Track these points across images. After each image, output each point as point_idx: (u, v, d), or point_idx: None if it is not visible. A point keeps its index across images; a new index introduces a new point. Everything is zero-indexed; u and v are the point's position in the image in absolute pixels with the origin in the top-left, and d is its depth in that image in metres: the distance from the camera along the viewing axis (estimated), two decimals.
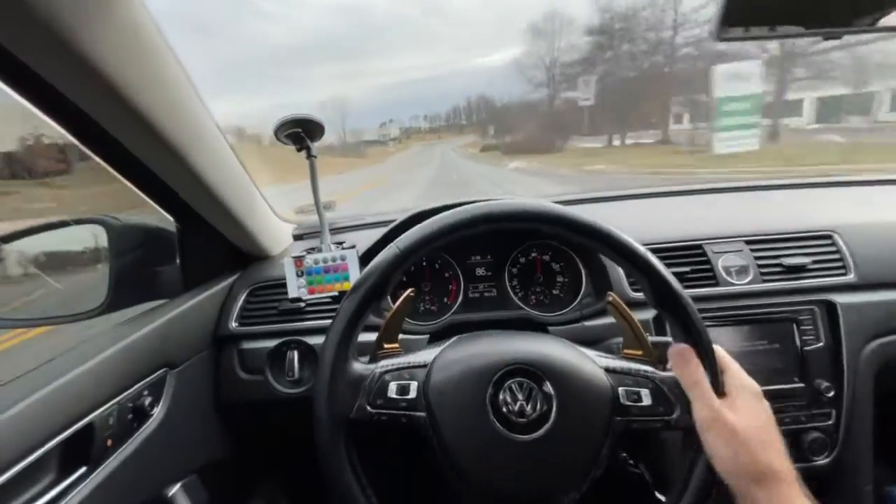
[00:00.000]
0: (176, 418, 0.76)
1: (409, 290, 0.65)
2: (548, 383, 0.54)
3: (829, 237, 0.92)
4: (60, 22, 0.45)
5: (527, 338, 0.60)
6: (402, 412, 0.55)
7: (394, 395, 0.55)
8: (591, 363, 0.57)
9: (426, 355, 0.58)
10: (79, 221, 0.87)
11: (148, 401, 0.70)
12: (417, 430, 0.55)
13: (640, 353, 0.60)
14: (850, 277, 0.88)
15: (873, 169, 1.22)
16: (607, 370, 0.56)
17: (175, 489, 0.75)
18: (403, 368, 0.57)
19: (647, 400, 0.54)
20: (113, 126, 0.62)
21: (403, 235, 0.59)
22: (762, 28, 0.65)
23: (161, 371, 0.75)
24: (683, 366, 0.54)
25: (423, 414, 0.54)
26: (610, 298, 0.62)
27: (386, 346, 0.62)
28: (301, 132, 0.81)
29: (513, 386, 0.54)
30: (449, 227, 0.58)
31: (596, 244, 0.59)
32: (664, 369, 0.58)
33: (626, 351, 0.61)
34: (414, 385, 0.55)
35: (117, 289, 0.87)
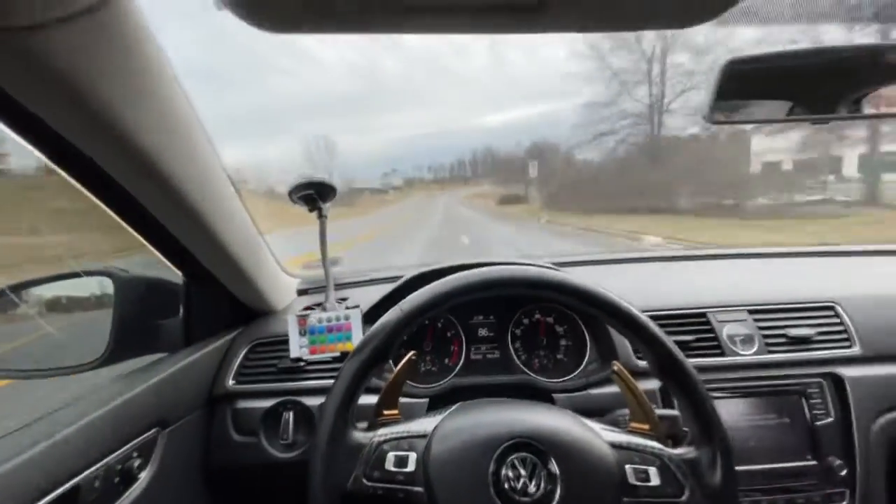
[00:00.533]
0: (162, 483, 0.72)
1: (411, 353, 0.65)
2: (553, 460, 0.52)
3: (832, 308, 0.92)
4: (79, 74, 0.45)
5: (531, 409, 0.59)
6: (400, 486, 0.53)
7: (391, 468, 0.53)
8: (598, 438, 0.55)
9: (426, 424, 0.57)
10: (88, 273, 0.88)
11: (137, 463, 0.67)
12: None
13: (646, 427, 0.59)
14: (856, 350, 0.88)
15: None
16: (613, 445, 0.55)
17: None
18: (402, 438, 0.56)
19: (655, 480, 0.53)
20: (124, 178, 0.62)
21: (408, 298, 0.59)
22: (751, 114, 0.70)
23: (153, 431, 0.73)
24: None
25: (421, 489, 0.52)
26: (615, 368, 0.62)
27: (385, 412, 0.61)
28: (314, 194, 0.84)
29: (516, 462, 0.52)
30: (454, 291, 0.59)
31: (599, 313, 0.59)
32: (672, 446, 0.56)
33: (632, 425, 0.60)
34: (413, 457, 0.54)
35: (118, 341, 0.86)
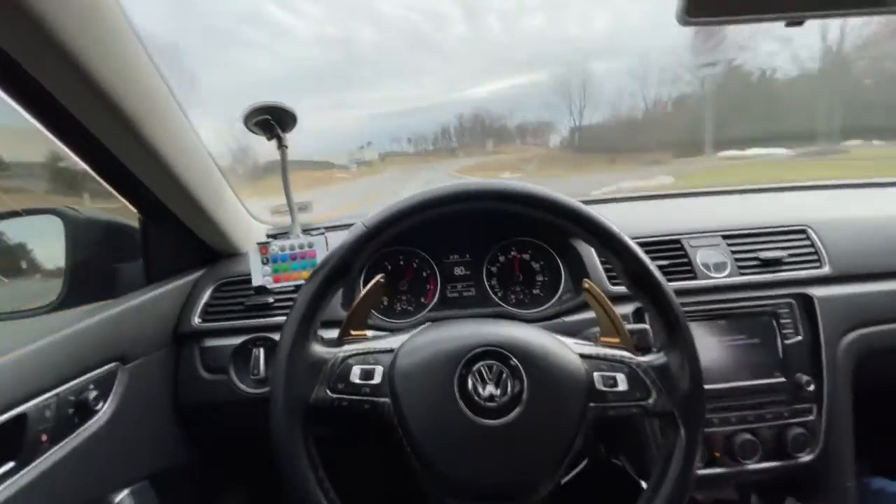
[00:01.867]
0: (126, 418, 0.70)
1: (380, 276, 0.63)
2: (519, 366, 0.51)
3: (804, 231, 0.93)
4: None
5: (499, 323, 0.58)
6: (365, 398, 0.52)
7: (357, 380, 0.52)
8: (566, 348, 0.55)
9: (393, 341, 0.56)
10: (32, 212, 0.83)
11: (93, 395, 0.65)
12: (381, 418, 0.52)
13: (616, 340, 0.59)
14: (825, 270, 0.89)
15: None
16: (582, 356, 0.54)
17: (122, 495, 0.69)
18: (368, 353, 0.54)
19: (623, 385, 0.53)
20: (77, 108, 0.59)
21: (371, 213, 0.57)
22: (725, 16, 0.66)
23: (111, 365, 0.70)
24: None
25: (387, 400, 0.51)
26: (586, 285, 0.61)
27: (352, 332, 0.59)
28: (271, 120, 0.79)
29: (482, 369, 0.51)
30: (416, 204, 0.56)
31: (567, 222, 0.58)
32: (641, 355, 0.56)
33: (603, 339, 0.59)
34: (379, 370, 0.53)
35: (73, 285, 0.82)
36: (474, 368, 0.51)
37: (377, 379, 0.52)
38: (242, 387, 0.83)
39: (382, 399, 0.51)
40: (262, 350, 0.83)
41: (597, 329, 0.72)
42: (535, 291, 0.98)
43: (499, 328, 0.56)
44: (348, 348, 0.55)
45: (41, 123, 0.62)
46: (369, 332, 0.59)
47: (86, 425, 0.64)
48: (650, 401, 0.53)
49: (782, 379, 0.83)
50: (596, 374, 0.53)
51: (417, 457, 0.50)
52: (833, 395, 0.83)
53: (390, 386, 0.51)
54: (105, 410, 0.67)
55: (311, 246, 0.79)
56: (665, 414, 0.54)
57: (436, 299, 0.98)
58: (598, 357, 0.55)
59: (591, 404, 0.52)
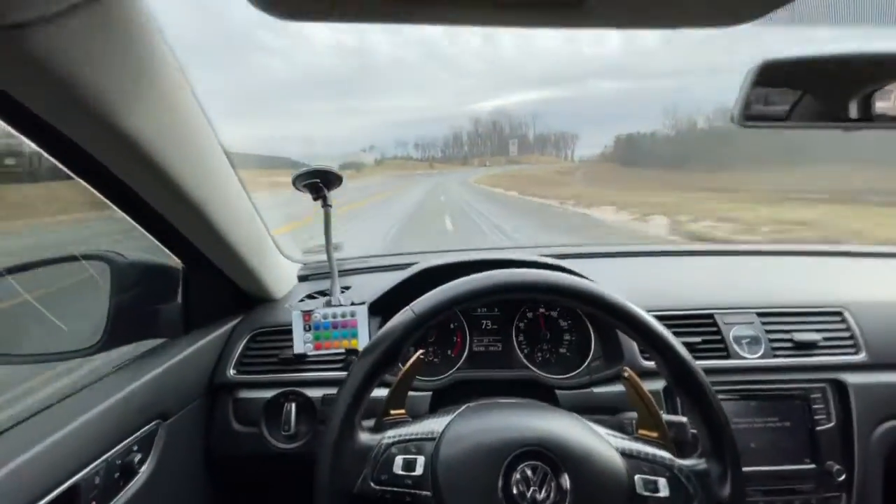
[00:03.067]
0: (163, 474, 0.72)
1: (419, 352, 0.64)
2: (563, 470, 0.52)
3: (840, 314, 0.91)
4: (79, 68, 0.43)
5: (540, 414, 0.59)
6: (408, 490, 0.52)
7: (399, 472, 0.53)
8: (607, 445, 0.55)
9: (434, 425, 0.57)
10: (85, 257, 0.86)
11: (137, 457, 0.67)
12: None
13: (655, 434, 0.58)
14: (861, 357, 0.87)
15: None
16: (623, 454, 0.54)
17: None
18: (410, 441, 0.55)
19: (664, 491, 0.52)
20: (120, 168, 0.60)
21: (420, 300, 0.58)
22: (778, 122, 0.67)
23: (153, 423, 0.72)
24: None
25: (429, 493, 0.52)
26: (626, 374, 0.61)
27: (392, 412, 0.60)
28: (319, 182, 0.81)
29: (526, 470, 0.52)
30: (465, 295, 0.57)
31: (612, 319, 0.58)
32: (681, 455, 0.56)
33: (641, 431, 0.59)
34: (421, 460, 0.53)
35: (115, 327, 0.84)
36: (518, 468, 0.52)
37: (419, 470, 0.53)
38: (273, 441, 0.84)
39: (425, 492, 0.52)
40: (293, 405, 0.85)
41: (632, 415, 0.72)
42: (561, 351, 0.98)
43: (541, 422, 0.56)
44: (391, 434, 0.55)
45: (84, 180, 0.63)
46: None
47: (129, 485, 0.65)
48: None
49: (812, 466, 0.82)
50: (637, 478, 0.53)
51: None
52: (863, 484, 0.82)
53: (433, 478, 0.52)
54: (146, 470, 0.69)
55: (352, 315, 0.81)
56: None
57: (464, 354, 0.98)
58: (638, 457, 0.55)
59: None
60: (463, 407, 0.61)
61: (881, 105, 0.66)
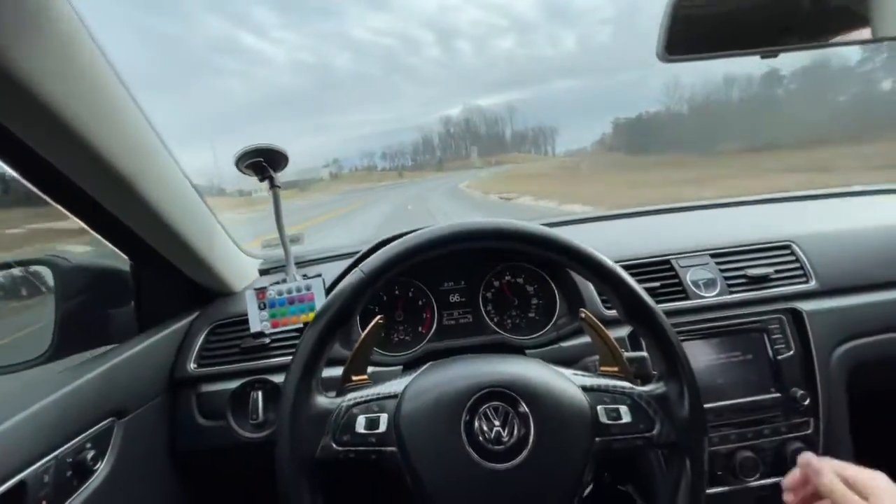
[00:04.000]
0: (124, 473, 0.69)
1: (378, 317, 0.63)
2: (524, 406, 0.52)
3: (788, 247, 0.95)
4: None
5: (501, 360, 0.59)
6: (372, 448, 0.51)
7: (362, 430, 0.52)
8: (568, 382, 0.55)
9: (396, 385, 0.56)
10: (23, 263, 0.82)
11: (91, 454, 0.63)
12: (389, 468, 0.51)
13: (616, 369, 0.60)
14: (812, 285, 0.91)
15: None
16: (584, 388, 0.55)
17: None
18: (372, 400, 0.54)
19: (626, 417, 0.53)
20: (55, 155, 0.58)
21: (368, 259, 0.57)
22: (702, 52, 0.69)
23: (107, 421, 0.69)
24: (818, 478, 0.53)
25: (394, 448, 0.51)
26: (583, 315, 0.62)
27: (354, 378, 0.59)
28: (263, 162, 0.79)
29: (488, 411, 0.52)
30: (414, 248, 0.57)
31: (564, 259, 0.59)
32: (641, 384, 0.57)
33: (602, 368, 0.60)
34: (384, 417, 0.53)
35: (63, 334, 0.81)
36: (480, 410, 0.51)
37: (382, 427, 0.52)
38: (241, 432, 0.82)
39: (389, 448, 0.51)
40: (260, 393, 0.82)
41: (595, 358, 0.73)
42: (530, 315, 0.98)
43: (500, 366, 0.56)
44: (352, 396, 0.54)
45: (21, 174, 0.61)
46: (370, 368, 0.59)
47: (84, 486, 0.62)
48: (654, 432, 0.53)
49: (777, 394, 0.85)
50: (599, 408, 0.53)
51: (416, 491, 0.50)
52: (828, 407, 0.85)
53: (396, 434, 0.51)
54: (102, 469, 0.66)
55: (308, 289, 0.79)
56: (669, 444, 0.54)
57: (433, 329, 0.98)
58: (600, 389, 0.55)
59: (597, 438, 0.52)
60: (426, 365, 0.60)
61: (802, 27, 0.69)
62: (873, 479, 0.51)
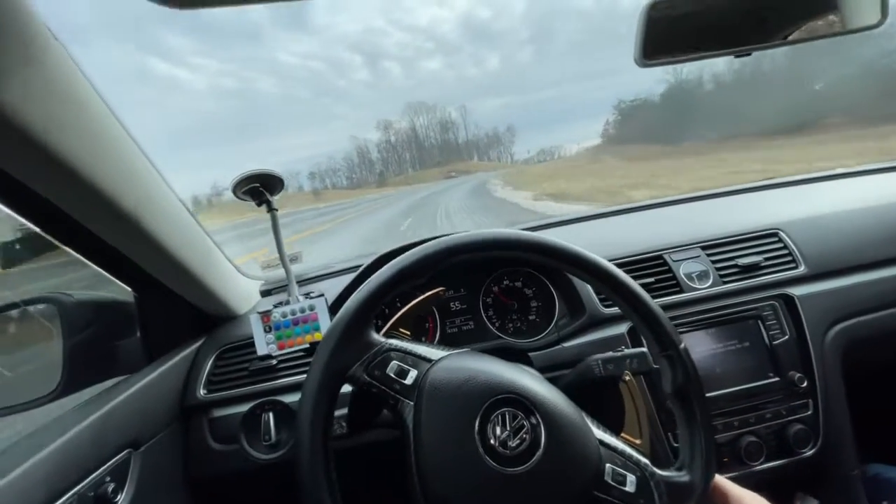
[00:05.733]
0: (144, 503, 0.70)
1: (441, 288, 0.67)
2: (541, 426, 0.52)
3: (776, 234, 0.98)
4: None
5: (537, 379, 0.58)
6: (393, 392, 0.54)
7: (392, 374, 0.55)
8: (589, 429, 0.55)
9: (434, 353, 0.58)
10: (28, 302, 0.83)
11: (111, 487, 0.64)
12: (399, 417, 0.54)
13: (638, 442, 0.59)
14: (802, 270, 0.93)
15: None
16: (601, 442, 0.54)
17: None
18: (409, 354, 0.56)
19: (630, 487, 0.52)
20: (53, 192, 0.58)
21: (375, 275, 0.58)
22: (678, 55, 0.71)
23: (124, 453, 0.70)
24: None
25: (411, 402, 0.53)
26: (627, 378, 0.63)
27: (401, 329, 0.63)
28: (260, 187, 0.81)
29: (506, 414, 0.52)
30: (435, 255, 0.58)
31: (566, 266, 0.60)
32: (658, 466, 0.56)
33: (624, 434, 0.59)
34: (413, 373, 0.55)
35: (72, 370, 0.82)
36: (499, 410, 0.52)
37: (409, 381, 0.54)
38: (255, 454, 0.82)
39: (408, 401, 0.53)
40: (271, 414, 0.83)
41: (598, 356, 0.75)
42: (531, 318, 1.00)
43: (533, 383, 0.56)
44: (394, 342, 0.57)
45: (19, 213, 0.62)
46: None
47: None
48: None
49: (776, 379, 0.87)
50: (608, 466, 0.53)
51: (418, 466, 0.51)
52: (826, 388, 0.87)
53: (418, 392, 0.53)
54: (123, 501, 0.67)
55: (312, 309, 0.81)
56: None
57: (437, 338, 0.99)
58: (615, 450, 0.54)
59: (595, 492, 0.52)
60: (466, 349, 0.62)
61: (776, 26, 0.72)
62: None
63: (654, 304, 0.58)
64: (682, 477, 0.55)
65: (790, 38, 0.71)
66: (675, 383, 0.57)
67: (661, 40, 0.69)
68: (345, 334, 0.55)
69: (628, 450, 0.55)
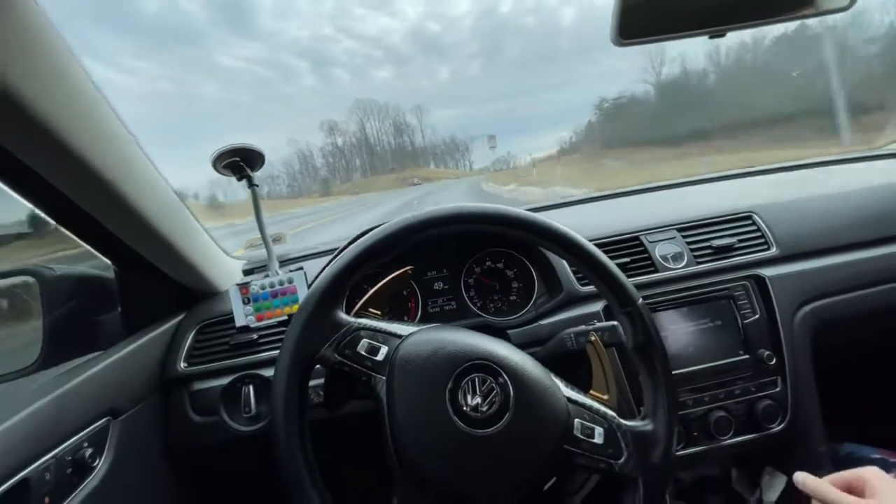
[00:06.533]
0: (122, 471, 0.71)
1: (409, 267, 0.67)
2: (509, 387, 0.53)
3: (749, 217, 1.00)
4: None
5: (503, 344, 0.60)
6: (365, 370, 0.55)
7: (363, 352, 0.56)
8: (557, 387, 0.57)
9: (403, 329, 0.59)
10: (5, 274, 0.83)
11: (88, 452, 0.65)
12: (372, 392, 0.55)
13: (605, 397, 0.60)
14: (773, 251, 0.96)
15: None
16: (569, 399, 0.56)
17: None
18: (379, 332, 0.57)
19: (598, 439, 0.55)
20: (39, 163, 0.59)
21: (338, 256, 0.60)
22: (653, 35, 0.72)
23: (103, 420, 0.70)
24: (817, 489, 0.55)
25: (383, 377, 0.54)
26: (592, 338, 0.64)
27: (371, 309, 0.63)
28: (240, 161, 0.81)
29: (476, 380, 0.54)
30: (399, 232, 0.60)
31: (527, 235, 0.62)
32: (624, 418, 0.58)
33: (592, 392, 0.61)
34: (384, 349, 0.56)
35: (52, 343, 0.82)
36: (469, 377, 0.54)
37: (380, 357, 0.55)
38: (235, 426, 0.84)
39: (380, 376, 0.55)
40: (251, 387, 0.84)
41: (571, 330, 0.77)
42: (511, 298, 1.02)
43: (500, 348, 0.58)
44: (363, 322, 0.58)
45: (3, 181, 0.62)
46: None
47: (84, 483, 0.64)
48: (620, 461, 0.55)
49: (746, 356, 0.89)
50: (576, 421, 0.55)
51: (393, 436, 0.53)
52: (794, 366, 0.89)
53: (389, 367, 0.55)
54: (101, 467, 0.68)
55: (290, 282, 0.81)
56: (631, 479, 0.55)
57: (418, 316, 1.00)
58: (583, 405, 0.57)
59: (564, 446, 0.54)
60: (435, 324, 0.62)
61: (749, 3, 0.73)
62: (861, 475, 0.55)
63: (611, 263, 0.60)
64: (647, 426, 0.58)
65: (764, 19, 0.72)
66: (637, 339, 0.60)
67: (637, 20, 0.70)
68: (312, 317, 0.56)
69: (595, 405, 0.58)
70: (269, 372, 0.86)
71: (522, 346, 0.86)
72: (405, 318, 1.00)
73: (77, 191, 0.66)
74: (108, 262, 0.86)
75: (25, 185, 0.64)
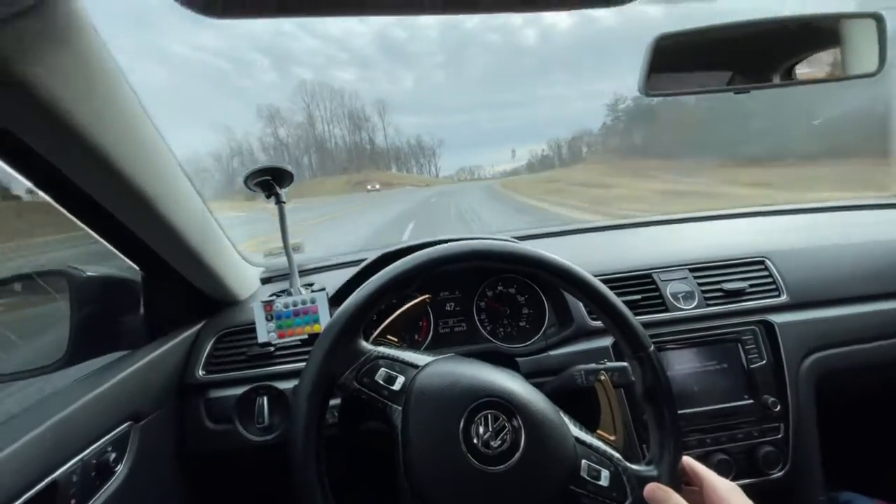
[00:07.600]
0: (141, 475, 0.73)
1: (427, 296, 0.69)
2: (521, 427, 0.55)
3: (762, 262, 1.01)
4: (24, 73, 0.45)
5: (516, 380, 0.61)
6: (382, 399, 0.57)
7: (380, 381, 0.58)
8: (566, 427, 0.58)
9: (420, 359, 0.61)
10: (41, 274, 0.86)
11: (112, 457, 0.68)
12: (388, 421, 0.57)
13: (612, 438, 0.62)
14: (784, 299, 0.97)
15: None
16: (577, 440, 0.58)
17: None
18: (396, 361, 0.59)
19: (604, 481, 0.56)
20: (74, 172, 0.62)
21: (364, 284, 0.61)
22: (684, 86, 0.75)
23: (126, 425, 0.73)
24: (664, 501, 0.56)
25: (399, 407, 0.56)
26: (602, 377, 0.66)
27: (389, 336, 0.65)
28: (270, 180, 0.84)
29: (489, 416, 0.55)
30: (420, 267, 0.61)
31: (545, 274, 0.63)
32: (631, 461, 0.59)
33: (599, 431, 0.62)
34: (401, 379, 0.58)
35: (78, 342, 0.85)
36: (482, 413, 0.55)
37: (397, 387, 0.57)
38: (248, 435, 0.86)
39: (396, 406, 0.57)
40: (265, 399, 0.87)
41: (581, 367, 0.78)
42: (521, 324, 1.04)
43: (514, 385, 0.59)
44: (381, 350, 0.60)
45: (38, 187, 0.65)
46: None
47: (106, 486, 0.67)
48: None
49: (750, 401, 0.90)
50: (584, 462, 0.56)
51: (405, 465, 0.54)
52: (798, 413, 0.91)
53: (406, 397, 0.57)
54: (122, 470, 0.70)
55: (312, 301, 0.84)
56: None
57: (430, 337, 1.02)
58: (591, 447, 0.58)
59: (570, 486, 0.55)
60: (450, 354, 0.64)
61: (780, 66, 0.75)
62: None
63: (625, 308, 0.61)
64: (652, 472, 0.59)
65: (790, 80, 0.74)
66: (646, 384, 0.61)
67: (666, 72, 0.72)
68: (336, 343, 0.57)
69: (603, 446, 0.59)
70: (283, 384, 0.88)
71: (531, 374, 0.89)
72: (416, 337, 1.02)
73: (112, 201, 0.69)
74: (136, 267, 0.89)
75: (63, 193, 0.68)
